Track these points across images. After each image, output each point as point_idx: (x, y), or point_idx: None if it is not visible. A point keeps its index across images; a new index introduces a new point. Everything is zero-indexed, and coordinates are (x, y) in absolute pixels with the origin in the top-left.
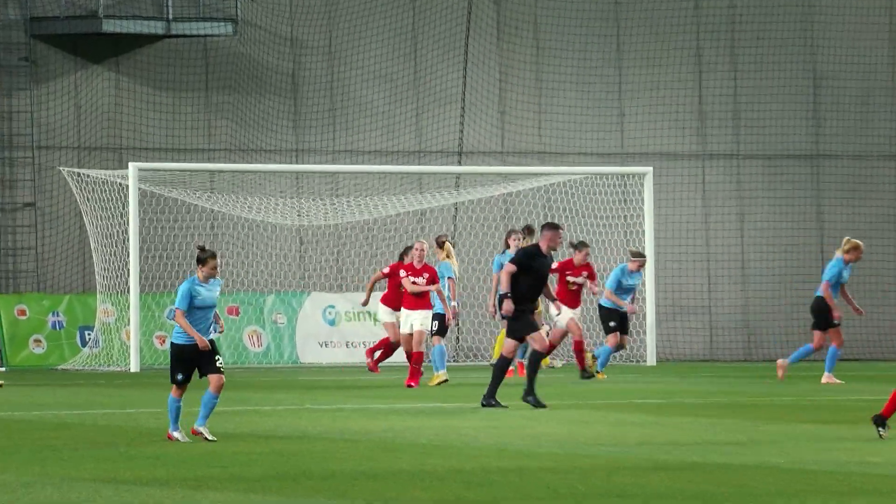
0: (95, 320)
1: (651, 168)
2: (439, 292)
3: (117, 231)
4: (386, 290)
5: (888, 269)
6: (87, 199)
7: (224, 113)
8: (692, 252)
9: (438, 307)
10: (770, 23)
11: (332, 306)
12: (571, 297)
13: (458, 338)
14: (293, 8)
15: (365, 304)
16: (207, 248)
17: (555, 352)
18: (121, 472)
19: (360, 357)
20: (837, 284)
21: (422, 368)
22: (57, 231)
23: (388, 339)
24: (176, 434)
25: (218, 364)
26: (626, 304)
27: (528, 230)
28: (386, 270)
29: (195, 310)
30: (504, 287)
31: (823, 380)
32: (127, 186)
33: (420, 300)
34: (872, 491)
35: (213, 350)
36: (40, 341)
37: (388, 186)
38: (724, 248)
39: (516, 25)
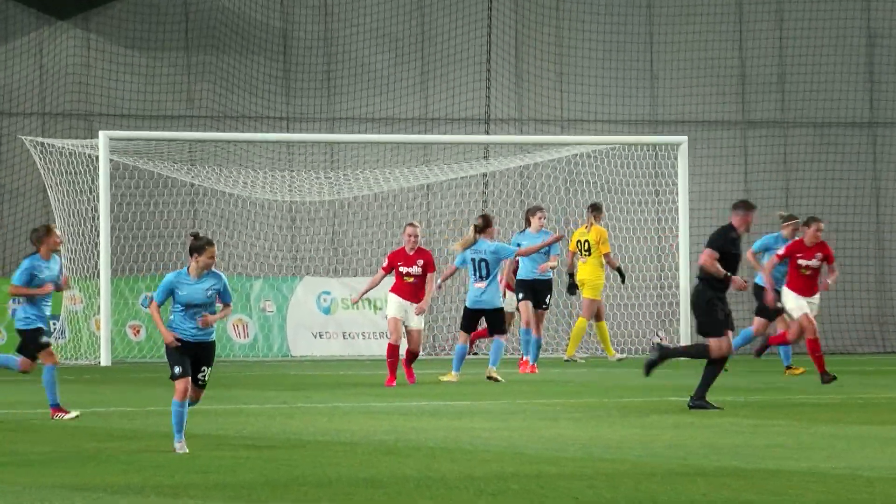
0: (61, 308)
1: (686, 137)
2: (506, 282)
3: (86, 208)
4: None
5: None
6: (53, 173)
7: (207, 76)
8: None
9: (495, 299)
10: None
11: (328, 292)
12: (805, 284)
13: None
14: None
15: (354, 302)
16: (202, 235)
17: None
18: (90, 479)
19: (357, 349)
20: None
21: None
22: (18, 208)
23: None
24: (176, 445)
25: (200, 376)
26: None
27: (596, 208)
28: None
29: (185, 307)
30: (720, 270)
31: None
32: (97, 158)
33: (419, 291)
34: None
35: (205, 356)
36: None
37: (391, 158)
38: (768, 228)
39: None
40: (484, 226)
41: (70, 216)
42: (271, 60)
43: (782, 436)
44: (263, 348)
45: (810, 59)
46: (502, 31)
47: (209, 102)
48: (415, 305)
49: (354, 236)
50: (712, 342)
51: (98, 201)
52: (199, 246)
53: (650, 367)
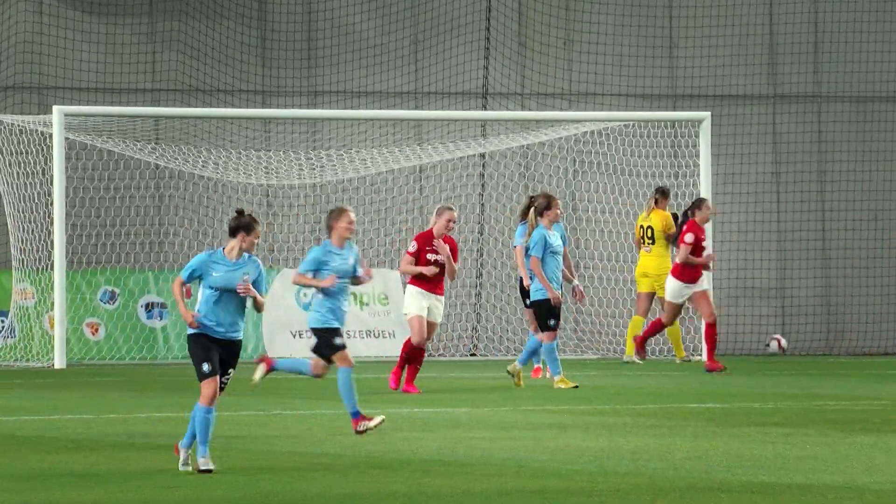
0: (10, 304)
1: (709, 113)
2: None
3: (38, 192)
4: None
5: None
6: (1, 152)
7: (173, 44)
8: (760, 219)
9: (539, 290)
10: None
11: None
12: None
13: (475, 326)
14: None
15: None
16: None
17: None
18: (44, 494)
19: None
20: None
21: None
22: None
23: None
24: (200, 461)
25: (224, 379)
26: None
27: (662, 193)
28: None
29: (219, 292)
30: None
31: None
32: (50, 135)
33: (442, 281)
34: None
35: (229, 357)
36: None
37: (379, 137)
38: (801, 214)
39: None
40: (545, 207)
41: (20, 201)
42: (246, 27)
43: (815, 446)
44: None
45: (848, 26)
46: None
47: (176, 74)
48: (440, 298)
49: None
50: None
51: (52, 184)
52: (246, 223)
53: None
